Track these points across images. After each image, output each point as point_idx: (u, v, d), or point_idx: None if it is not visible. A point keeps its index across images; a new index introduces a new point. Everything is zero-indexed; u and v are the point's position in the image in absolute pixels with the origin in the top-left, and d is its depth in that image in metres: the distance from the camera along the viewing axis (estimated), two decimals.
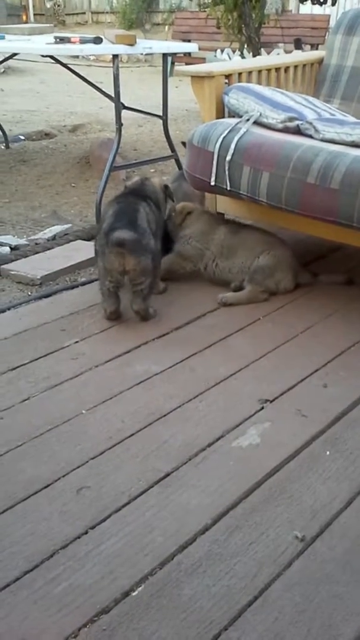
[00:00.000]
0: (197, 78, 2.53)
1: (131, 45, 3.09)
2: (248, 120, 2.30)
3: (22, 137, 4.79)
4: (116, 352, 2.01)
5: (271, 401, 1.76)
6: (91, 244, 2.93)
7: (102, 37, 3.25)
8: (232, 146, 2.22)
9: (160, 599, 1.19)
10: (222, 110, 2.51)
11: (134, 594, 1.20)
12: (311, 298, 2.33)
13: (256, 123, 2.30)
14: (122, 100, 3.21)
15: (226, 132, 2.26)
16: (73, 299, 2.38)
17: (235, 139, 2.22)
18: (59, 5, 12.46)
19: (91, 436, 1.62)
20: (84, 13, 12.63)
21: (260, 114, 2.31)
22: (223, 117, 2.49)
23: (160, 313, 2.23)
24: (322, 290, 2.38)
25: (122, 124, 3.24)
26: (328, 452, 1.56)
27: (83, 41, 3.14)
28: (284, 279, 2.33)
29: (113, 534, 1.33)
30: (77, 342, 2.07)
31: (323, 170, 2.03)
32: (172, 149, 3.67)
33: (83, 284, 2.55)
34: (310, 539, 1.32)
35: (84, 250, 2.85)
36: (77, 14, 12.67)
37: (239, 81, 2.57)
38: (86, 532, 1.33)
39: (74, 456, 1.55)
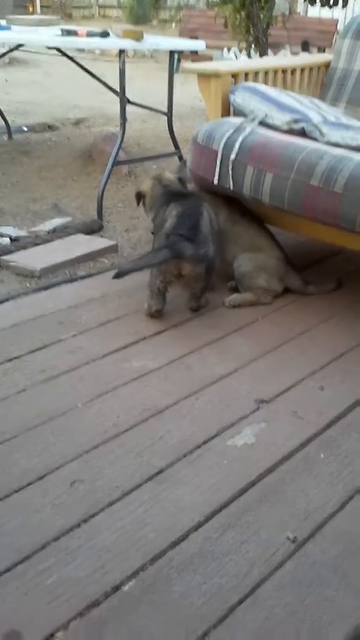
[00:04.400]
0: (203, 76, 2.52)
1: (138, 40, 3.08)
2: (253, 120, 2.30)
3: (25, 129, 4.78)
4: (113, 346, 2.01)
5: (267, 402, 1.76)
6: (91, 238, 2.96)
7: (110, 31, 3.24)
8: (237, 146, 2.22)
9: (150, 594, 1.19)
10: (227, 109, 2.50)
11: (124, 588, 1.20)
12: (311, 301, 2.34)
13: (261, 123, 2.30)
14: (127, 95, 3.20)
15: (231, 131, 2.26)
16: (72, 293, 2.37)
17: (240, 138, 2.22)
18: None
19: (86, 430, 1.62)
20: (91, 7, 12.62)
21: (266, 115, 2.31)
22: (228, 116, 2.49)
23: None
24: (322, 294, 2.39)
25: (126, 119, 3.23)
26: (322, 455, 1.56)
27: (90, 34, 3.14)
28: (268, 282, 2.31)
29: (105, 528, 1.33)
30: (74, 335, 2.07)
31: (327, 173, 2.03)
32: (176, 146, 3.67)
33: (82, 277, 2.54)
34: (303, 540, 1.32)
35: (84, 244, 2.85)
36: (84, 7, 12.64)
37: (246, 81, 2.57)
38: (79, 525, 1.33)
39: (68, 449, 1.54)
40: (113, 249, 2.86)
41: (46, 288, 2.42)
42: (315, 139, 2.21)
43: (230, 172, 2.23)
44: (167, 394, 1.78)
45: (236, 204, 2.39)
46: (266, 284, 2.31)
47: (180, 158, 3.64)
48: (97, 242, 2.90)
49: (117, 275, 2.15)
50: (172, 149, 3.70)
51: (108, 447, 1.56)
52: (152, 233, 2.37)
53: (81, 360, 1.93)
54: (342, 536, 1.34)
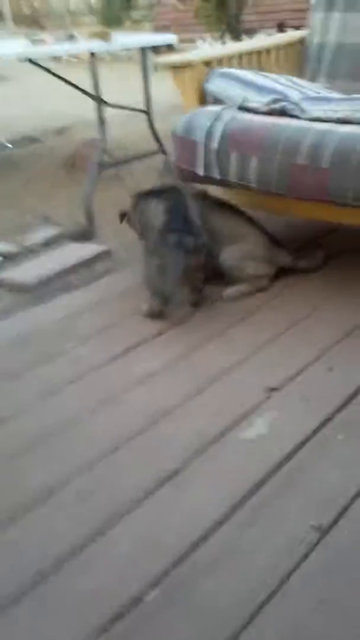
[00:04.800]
0: (176, 68, 2.48)
1: (106, 41, 3.04)
2: (232, 106, 2.25)
3: (8, 144, 4.75)
4: (115, 352, 1.97)
5: (277, 389, 1.71)
6: (83, 245, 2.92)
7: (75, 34, 3.20)
8: (218, 134, 2.17)
9: (175, 601, 1.15)
10: (204, 99, 2.46)
11: (148, 597, 1.16)
12: (309, 280, 2.29)
13: (241, 108, 2.26)
14: (105, 98, 3.17)
15: (210, 120, 2.21)
16: (68, 303, 2.34)
17: (220, 126, 2.18)
18: (36, 10, 12.42)
19: (95, 440, 1.58)
20: (62, 16, 12.58)
21: (244, 99, 2.27)
22: (205, 105, 2.45)
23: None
24: (319, 272, 2.34)
25: (104, 121, 3.20)
26: (340, 437, 1.52)
27: (58, 40, 3.10)
28: (257, 269, 2.25)
29: (123, 538, 1.29)
30: (75, 345, 2.03)
31: (312, 150, 1.98)
32: (159, 143, 3.62)
33: (77, 286, 2.51)
34: (327, 527, 1.28)
35: (77, 252, 2.82)
36: (56, 17, 12.62)
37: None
38: (95, 538, 1.29)
39: (78, 461, 1.51)
40: (106, 254, 2.82)
41: (42, 300, 2.39)
42: (296, 117, 2.16)
43: (215, 161, 2.19)
44: (173, 394, 1.74)
45: (209, 199, 2.33)
46: (255, 272, 2.26)
47: (164, 153, 3.60)
48: (89, 249, 2.86)
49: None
50: (156, 147, 3.66)
51: (119, 455, 1.53)
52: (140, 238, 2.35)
53: (84, 369, 1.89)
54: None
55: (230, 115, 2.21)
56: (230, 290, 2.25)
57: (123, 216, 2.38)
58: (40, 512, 1.38)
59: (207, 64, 2.49)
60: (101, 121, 3.17)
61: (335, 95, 2.28)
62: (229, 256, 2.25)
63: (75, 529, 1.32)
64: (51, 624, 1.14)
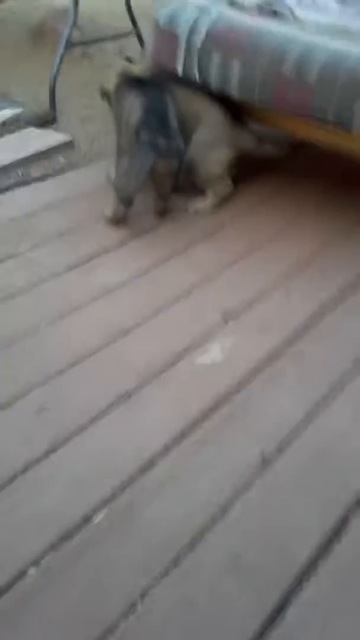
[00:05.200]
0: None
1: None
2: (220, 0, 2.09)
3: None
4: (75, 259, 1.92)
5: (234, 315, 1.72)
6: (44, 132, 2.77)
7: None
8: (203, 31, 2.02)
9: (122, 523, 1.20)
10: None
11: (96, 519, 1.21)
12: (276, 200, 2.25)
13: (229, 4, 2.10)
14: None
15: (196, 14, 2.05)
16: (27, 198, 2.24)
17: (206, 22, 2.02)
18: None
19: (51, 353, 1.57)
20: None
21: None
22: None
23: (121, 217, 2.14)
24: (288, 189, 2.29)
25: None
26: (292, 367, 1.56)
27: None
28: (218, 159, 2.15)
29: (74, 457, 1.32)
30: (32, 247, 1.97)
31: (299, 63, 1.87)
32: (134, 23, 3.36)
33: (37, 179, 2.40)
34: (271, 456, 1.34)
35: (37, 139, 2.67)
36: None
37: None
38: (47, 455, 1.32)
39: (33, 375, 1.51)
40: (69, 146, 2.68)
41: None
42: (286, 21, 2.02)
43: (195, 61, 2.05)
44: (133, 311, 1.72)
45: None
46: (219, 167, 2.15)
47: (140, 38, 3.36)
48: (51, 138, 2.70)
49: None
50: (129, 25, 3.40)
51: (74, 371, 1.53)
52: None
53: (42, 275, 1.85)
54: (309, 450, 1.36)
55: (218, 10, 2.05)
56: (196, 204, 2.20)
57: (104, 94, 2.25)
58: None
59: None
60: None
61: (332, 4, 2.12)
62: (190, 150, 2.12)
63: (27, 445, 1.34)
64: (0, 539, 1.18)
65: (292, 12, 2.03)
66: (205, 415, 1.42)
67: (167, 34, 2.11)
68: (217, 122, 2.15)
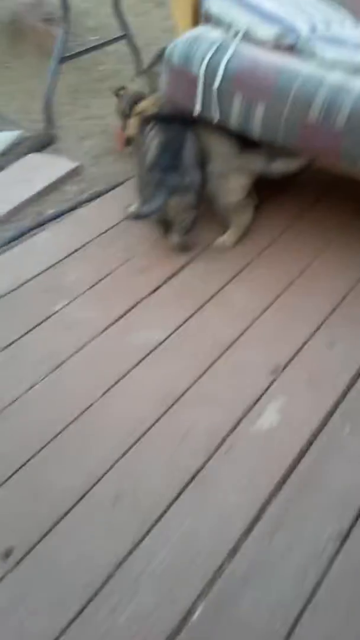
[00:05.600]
0: None
1: None
2: (235, 35, 2.03)
3: None
4: (112, 315, 1.93)
5: (282, 370, 1.76)
6: (48, 157, 2.72)
7: None
8: (220, 70, 1.98)
9: (221, 617, 1.26)
10: (198, 15, 2.21)
11: (195, 616, 1.26)
12: (300, 225, 2.27)
13: (244, 38, 2.05)
14: None
15: (212, 51, 2.00)
16: (48, 245, 2.22)
17: (224, 61, 1.98)
18: None
19: (112, 429, 1.60)
20: None
21: (249, 28, 2.05)
22: (199, 23, 2.20)
23: (146, 259, 2.14)
24: (311, 213, 2.30)
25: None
26: (347, 429, 1.61)
27: None
28: (235, 184, 2.13)
29: (160, 547, 1.36)
30: (66, 305, 1.97)
31: (326, 107, 1.86)
32: (126, 28, 3.26)
33: (51, 218, 2.37)
34: (346, 530, 1.40)
35: (43, 168, 2.62)
36: None
37: None
38: (134, 549, 1.36)
39: (100, 456, 1.53)
40: (76, 172, 2.65)
41: (17, 238, 2.26)
42: (305, 57, 1.99)
43: (215, 101, 2.02)
44: (182, 373, 1.74)
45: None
46: (235, 196, 2.15)
47: (133, 45, 3.25)
48: (57, 166, 2.65)
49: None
50: (116, 31, 3.28)
51: (140, 448, 1.56)
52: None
53: (82, 337, 1.85)
54: None
55: (234, 47, 2.00)
56: (221, 242, 2.20)
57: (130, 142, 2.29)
58: (74, 522, 1.40)
59: None
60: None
61: (352, 35, 2.08)
62: (209, 187, 2.13)
63: (113, 539, 1.37)
64: None
65: (309, 46, 1.99)
66: (276, 491, 1.47)
67: (182, 73, 2.06)
68: (224, 152, 2.14)
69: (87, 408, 1.65)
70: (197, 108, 2.06)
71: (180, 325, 1.90)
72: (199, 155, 2.09)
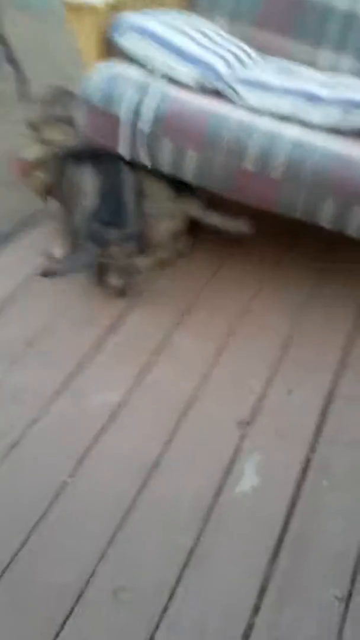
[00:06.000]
0: (74, 11, 2.05)
1: None
2: (157, 76, 1.96)
3: None
4: (58, 379, 1.79)
5: (249, 423, 1.75)
6: None
7: None
8: (150, 115, 1.91)
9: None
10: (105, 47, 2.10)
11: None
12: (234, 267, 2.25)
13: (167, 79, 1.99)
14: None
15: (136, 93, 1.93)
16: None
17: (152, 104, 1.91)
18: None
19: (94, 512, 1.48)
20: None
21: (168, 67, 1.99)
22: (106, 55, 2.09)
23: (82, 307, 2.03)
24: (244, 254, 2.30)
25: None
26: (324, 483, 1.63)
27: None
28: (166, 226, 2.07)
29: None
30: (8, 368, 1.81)
31: (260, 157, 1.86)
32: (5, 44, 3.04)
33: None
34: (348, 590, 1.42)
35: None
36: None
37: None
38: None
39: (88, 547, 1.42)
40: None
41: None
42: (232, 101, 1.97)
43: (144, 147, 1.94)
44: (150, 436, 1.67)
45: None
46: (164, 236, 2.09)
47: (16, 65, 3.04)
48: None
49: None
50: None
51: (128, 530, 1.46)
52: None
53: (34, 408, 1.70)
54: None
55: (160, 90, 1.94)
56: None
57: (48, 191, 2.12)
58: (76, 625, 1.28)
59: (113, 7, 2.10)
60: None
61: (271, 79, 2.09)
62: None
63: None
64: None
65: (234, 89, 1.98)
66: (273, 559, 1.44)
67: (104, 114, 1.97)
68: (158, 193, 2.07)
69: (60, 493, 1.52)
70: (125, 151, 1.97)
71: (135, 384, 1.82)
72: (138, 196, 2.00)
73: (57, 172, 2.11)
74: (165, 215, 2.08)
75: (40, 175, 2.17)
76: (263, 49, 2.42)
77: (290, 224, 2.13)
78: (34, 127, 2.43)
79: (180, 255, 2.20)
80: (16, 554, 1.39)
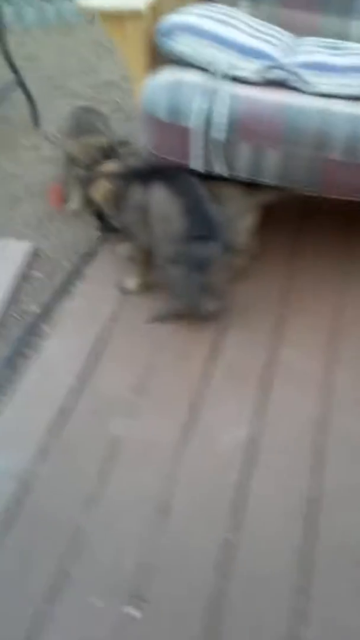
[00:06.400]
0: (113, 19, 1.88)
1: None
2: (222, 77, 1.79)
3: None
4: (178, 423, 1.62)
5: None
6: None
7: None
8: (223, 121, 1.74)
9: None
10: (154, 55, 1.93)
11: None
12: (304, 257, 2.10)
13: (230, 78, 1.81)
14: None
15: (205, 101, 1.76)
16: (58, 353, 1.85)
17: (223, 109, 1.75)
18: None
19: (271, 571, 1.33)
20: None
21: (230, 66, 1.82)
22: (156, 64, 1.92)
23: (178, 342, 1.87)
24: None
25: None
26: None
27: None
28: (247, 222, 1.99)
29: None
30: (129, 423, 1.64)
31: (347, 143, 1.71)
32: (16, 72, 2.86)
33: (20, 354, 1.89)
34: None
35: (2, 262, 2.19)
36: None
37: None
38: None
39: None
40: (35, 254, 2.25)
41: (19, 353, 1.84)
42: (300, 89, 1.80)
43: (220, 155, 1.78)
44: (296, 471, 1.52)
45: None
46: (246, 237, 1.98)
47: (27, 92, 2.87)
48: (12, 253, 2.23)
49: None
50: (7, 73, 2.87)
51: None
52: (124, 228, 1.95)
53: (166, 460, 1.55)
54: None
55: (228, 92, 1.77)
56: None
57: (100, 216, 1.97)
58: None
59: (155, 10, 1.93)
60: None
61: (327, 59, 1.91)
62: None
63: None
64: None
65: (299, 77, 1.81)
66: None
67: (171, 128, 1.81)
68: (235, 195, 1.94)
69: (225, 546, 1.36)
70: (197, 164, 1.82)
71: (256, 413, 1.65)
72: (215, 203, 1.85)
73: (121, 196, 1.93)
74: (243, 212, 1.96)
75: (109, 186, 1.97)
76: (291, 29, 2.25)
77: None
78: (71, 158, 2.29)
79: (253, 257, 2.07)
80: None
